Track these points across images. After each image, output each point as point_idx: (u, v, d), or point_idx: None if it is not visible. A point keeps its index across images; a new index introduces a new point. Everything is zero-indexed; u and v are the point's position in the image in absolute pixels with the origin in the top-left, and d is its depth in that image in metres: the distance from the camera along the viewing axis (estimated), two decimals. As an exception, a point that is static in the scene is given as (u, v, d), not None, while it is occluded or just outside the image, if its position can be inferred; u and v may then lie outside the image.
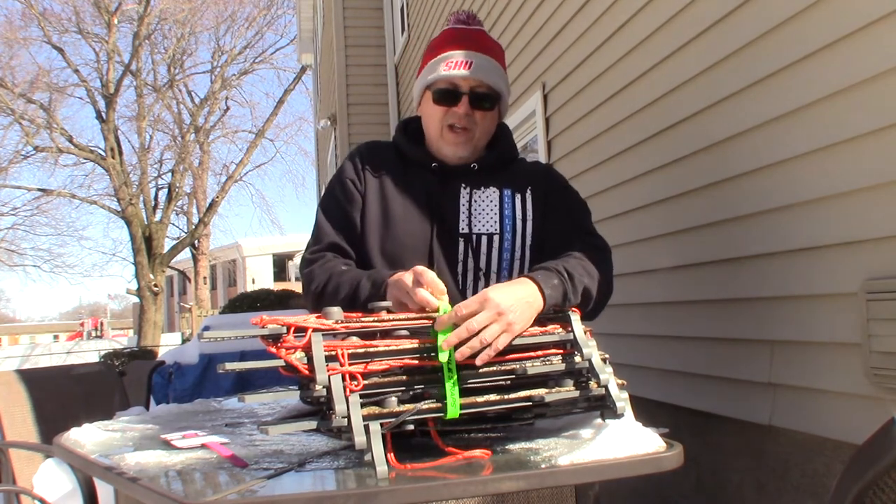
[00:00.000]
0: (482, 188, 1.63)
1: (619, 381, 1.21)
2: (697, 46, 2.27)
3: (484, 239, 1.59)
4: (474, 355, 1.17)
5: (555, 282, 1.34)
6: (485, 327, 1.17)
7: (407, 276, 1.29)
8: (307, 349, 1.08)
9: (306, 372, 1.07)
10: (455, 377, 1.14)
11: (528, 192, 1.64)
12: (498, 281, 1.57)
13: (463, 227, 1.59)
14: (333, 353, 1.09)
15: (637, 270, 2.73)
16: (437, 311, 1.21)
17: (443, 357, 1.14)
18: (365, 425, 1.04)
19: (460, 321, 1.17)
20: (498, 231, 1.59)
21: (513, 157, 1.72)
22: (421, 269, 1.28)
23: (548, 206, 1.64)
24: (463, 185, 1.63)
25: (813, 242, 1.81)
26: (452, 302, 1.24)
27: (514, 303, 1.21)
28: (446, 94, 1.62)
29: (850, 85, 1.66)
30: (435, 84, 1.64)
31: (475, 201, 1.62)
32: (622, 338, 2.86)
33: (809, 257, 1.83)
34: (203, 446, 1.23)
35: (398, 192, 1.62)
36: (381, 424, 1.07)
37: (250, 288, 21.38)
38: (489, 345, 1.17)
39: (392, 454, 1.06)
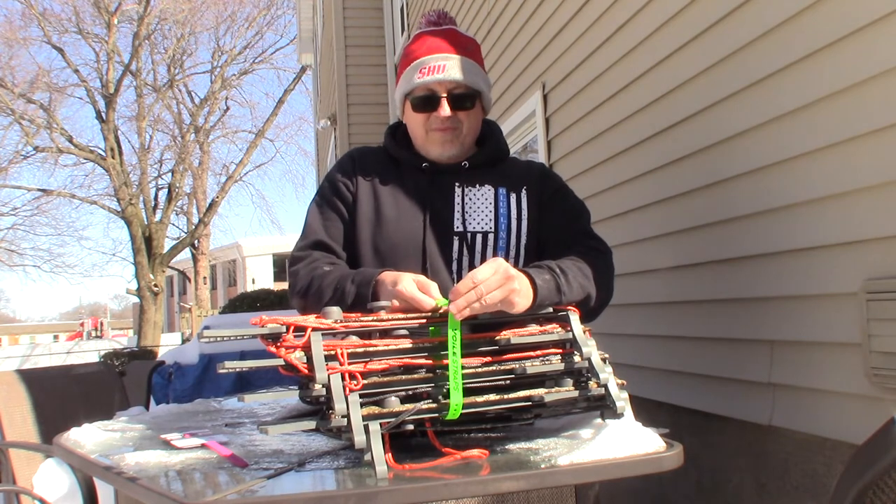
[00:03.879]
0: (476, 186, 1.63)
1: (619, 381, 1.21)
2: (697, 46, 2.27)
3: (479, 237, 1.59)
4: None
5: (546, 276, 1.35)
6: (491, 288, 1.20)
7: (404, 285, 1.28)
8: (307, 348, 1.08)
9: (306, 371, 1.07)
10: (460, 375, 1.13)
11: (524, 191, 1.64)
12: None
13: (457, 226, 1.59)
14: (333, 352, 1.09)
15: (637, 270, 2.73)
16: (439, 310, 1.23)
17: (449, 307, 1.17)
18: (364, 425, 1.04)
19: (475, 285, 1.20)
20: (493, 229, 1.59)
21: (503, 155, 1.72)
22: (415, 277, 1.30)
23: (545, 208, 1.64)
24: (456, 183, 1.63)
25: (813, 242, 1.81)
26: None
27: (518, 274, 1.26)
28: (425, 101, 1.62)
29: (850, 85, 1.66)
30: (413, 92, 1.63)
31: (468, 199, 1.61)
32: (622, 338, 2.86)
33: (809, 257, 1.83)
34: (203, 446, 1.23)
35: (390, 192, 1.62)
36: (381, 424, 1.07)
37: (250, 288, 21.42)
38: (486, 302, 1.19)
39: (390, 454, 1.06)
